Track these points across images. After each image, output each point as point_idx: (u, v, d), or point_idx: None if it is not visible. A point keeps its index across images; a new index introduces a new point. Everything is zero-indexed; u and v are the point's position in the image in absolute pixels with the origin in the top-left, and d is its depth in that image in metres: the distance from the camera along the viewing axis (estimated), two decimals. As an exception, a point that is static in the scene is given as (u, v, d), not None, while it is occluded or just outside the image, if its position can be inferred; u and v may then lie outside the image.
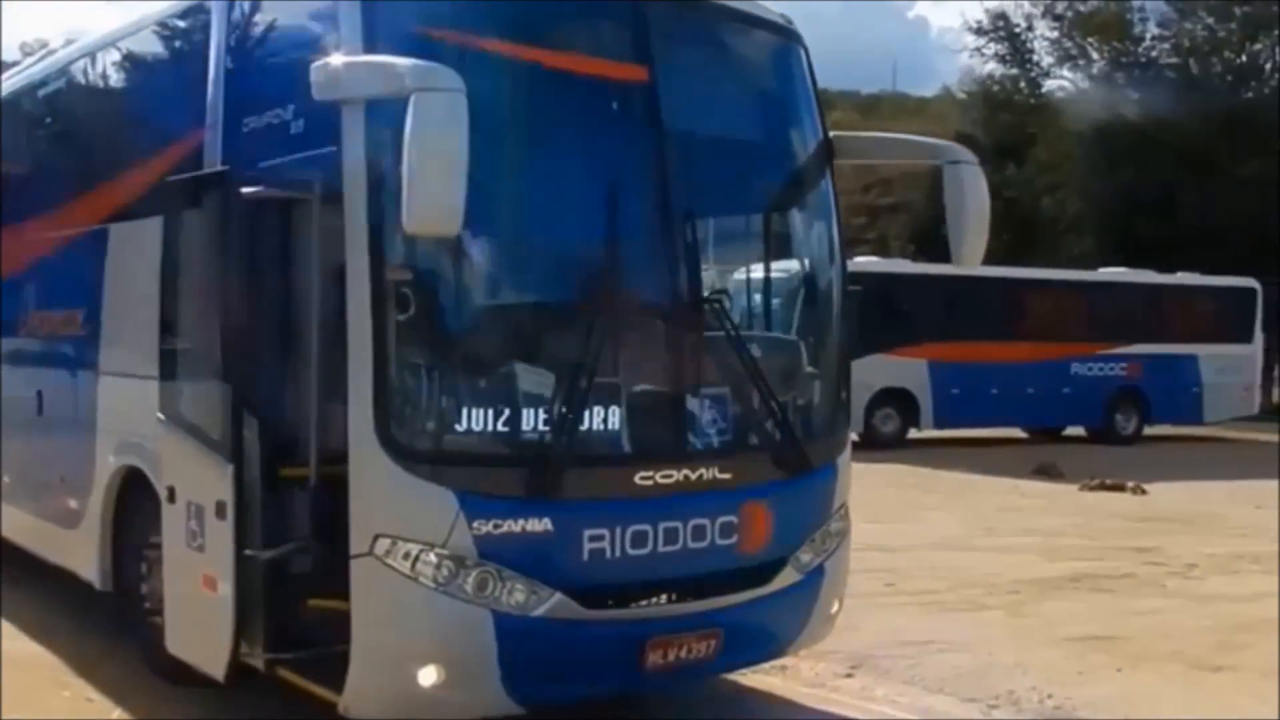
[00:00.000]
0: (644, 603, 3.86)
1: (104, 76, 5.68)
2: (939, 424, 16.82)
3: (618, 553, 3.77)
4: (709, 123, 4.24)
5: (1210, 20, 27.53)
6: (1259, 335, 19.36)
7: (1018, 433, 18.14)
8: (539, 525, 3.65)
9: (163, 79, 5.09)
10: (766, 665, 4.75)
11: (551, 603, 3.69)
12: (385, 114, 3.53)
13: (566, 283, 3.99)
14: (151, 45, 5.20)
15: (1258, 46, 27.69)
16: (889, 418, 16.30)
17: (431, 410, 3.70)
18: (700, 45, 4.27)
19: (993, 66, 29.88)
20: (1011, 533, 9.46)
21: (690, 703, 4.65)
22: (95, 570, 5.16)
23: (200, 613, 4.18)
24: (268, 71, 4.23)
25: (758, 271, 4.52)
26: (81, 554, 5.27)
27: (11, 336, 6.19)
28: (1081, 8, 28.43)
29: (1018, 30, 29.20)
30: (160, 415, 4.38)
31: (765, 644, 4.32)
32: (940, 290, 16.22)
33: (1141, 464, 14.11)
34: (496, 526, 3.60)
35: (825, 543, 4.36)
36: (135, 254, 4.78)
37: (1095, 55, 28.90)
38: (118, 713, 4.53)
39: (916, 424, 16.73)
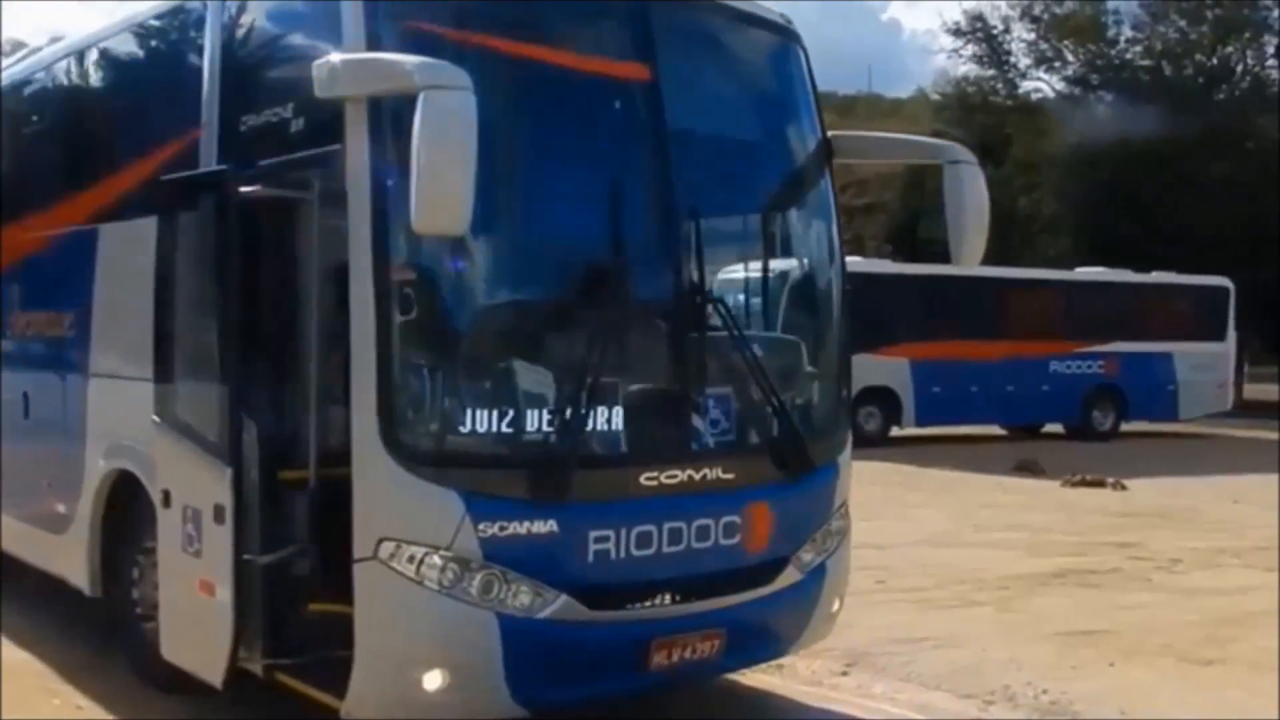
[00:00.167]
0: (648, 603, 3.84)
1: (94, 75, 5.59)
2: (921, 422, 16.98)
3: (623, 554, 3.75)
4: (712, 122, 4.25)
5: (1182, 24, 27.90)
6: (1232, 333, 19.66)
7: (997, 430, 18.33)
8: (545, 527, 3.63)
9: (156, 77, 5.01)
10: (764, 664, 4.75)
11: (557, 605, 3.67)
12: (389, 112, 3.52)
13: (569, 282, 3.96)
14: (144, 43, 5.13)
15: (1229, 50, 28.10)
16: (872, 416, 16.39)
17: (435, 412, 3.67)
18: (702, 44, 4.26)
19: (970, 68, 30.14)
20: (997, 529, 9.54)
21: (690, 703, 4.65)
22: (84, 575, 5.08)
23: (197, 618, 4.12)
24: (265, 70, 4.19)
25: (760, 271, 4.52)
26: (70, 559, 5.19)
27: None
28: (1058, 10, 28.70)
29: (995, 32, 29.45)
30: (155, 418, 4.32)
31: (768, 643, 4.33)
32: (921, 290, 16.38)
33: (1119, 460, 14.29)
34: (502, 528, 3.58)
35: (826, 542, 4.36)
36: (128, 254, 4.71)
37: (1070, 58, 29.20)
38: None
39: (899, 422, 16.86)
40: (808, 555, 4.28)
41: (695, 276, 3.94)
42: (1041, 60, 29.56)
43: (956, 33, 29.72)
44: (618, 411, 3.82)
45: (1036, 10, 28.95)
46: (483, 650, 3.59)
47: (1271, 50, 28.17)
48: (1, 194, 5.99)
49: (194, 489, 4.10)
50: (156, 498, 4.35)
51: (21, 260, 5.87)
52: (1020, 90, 30.00)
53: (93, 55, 5.53)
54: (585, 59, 4.01)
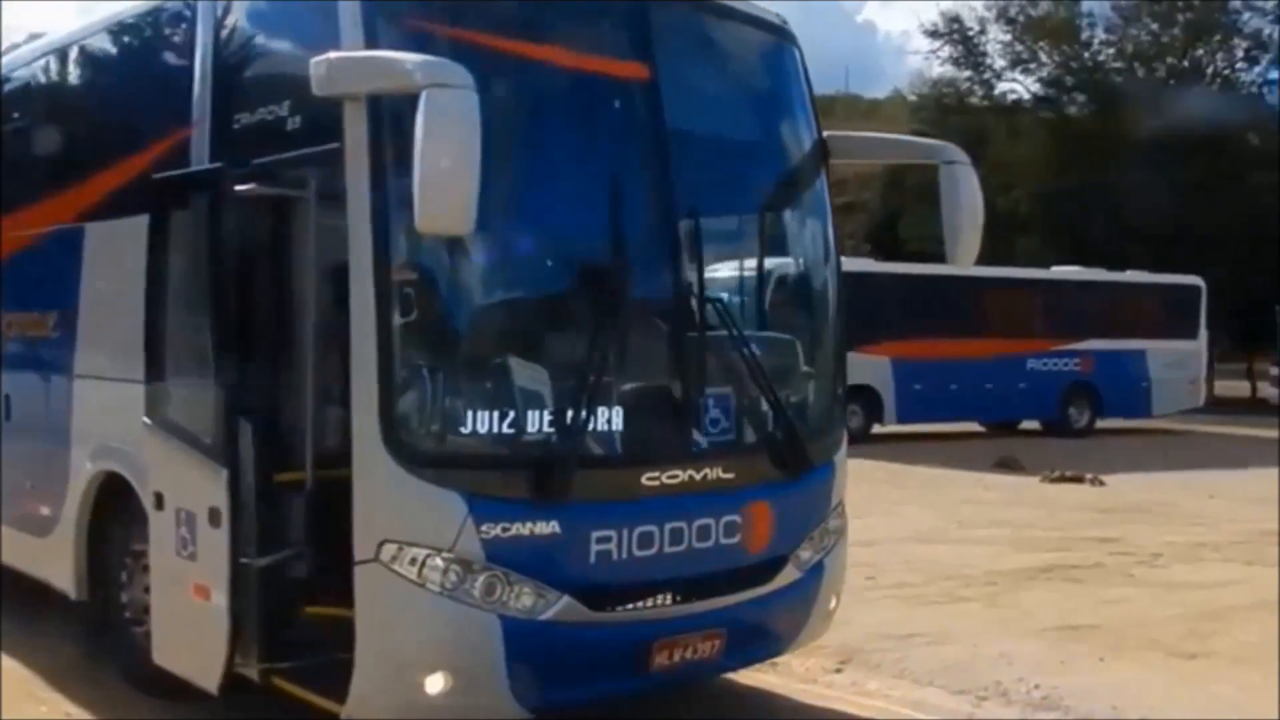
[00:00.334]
0: (650, 604, 3.84)
1: (84, 71, 5.50)
2: (902, 419, 17.10)
3: (624, 554, 3.74)
4: (710, 121, 4.25)
5: (1154, 26, 28.25)
6: (1204, 331, 19.95)
7: (975, 426, 18.49)
8: (547, 528, 3.61)
9: (147, 74, 4.93)
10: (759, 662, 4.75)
11: (559, 606, 3.65)
12: (388, 110, 3.48)
13: (570, 282, 3.96)
14: (136, 39, 5.05)
15: (1199, 52, 28.48)
16: (854, 413, 16.41)
17: (437, 413, 3.63)
18: (700, 44, 4.26)
19: (946, 69, 30.33)
20: (980, 525, 9.62)
21: (687, 703, 4.64)
22: (70, 579, 5.00)
23: (191, 623, 4.07)
24: (258, 67, 4.14)
25: (757, 270, 4.52)
26: (55, 563, 5.10)
27: None
28: (1033, 12, 28.94)
29: (971, 34, 29.66)
30: (146, 420, 4.26)
31: (767, 642, 4.33)
32: (901, 289, 16.49)
33: (1096, 456, 14.45)
34: (505, 530, 3.56)
35: (824, 540, 4.38)
36: (117, 253, 4.63)
37: (1045, 59, 29.46)
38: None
39: (880, 419, 16.96)
40: (806, 553, 4.29)
41: (695, 276, 3.94)
42: (1017, 62, 29.84)
43: (933, 34, 29.95)
44: (619, 411, 3.80)
45: (1012, 12, 29.21)
46: (485, 653, 3.57)
47: (1241, 53, 28.63)
48: None
49: (188, 491, 4.04)
50: (148, 500, 4.28)
51: (6, 259, 5.76)
52: (996, 91, 30.26)
53: (84, 50, 5.42)
54: (583, 59, 3.99)
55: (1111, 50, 29.06)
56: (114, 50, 5.21)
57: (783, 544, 4.17)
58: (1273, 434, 18.16)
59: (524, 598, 3.61)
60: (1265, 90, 28.83)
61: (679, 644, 3.90)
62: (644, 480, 3.79)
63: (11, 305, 5.72)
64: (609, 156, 4.03)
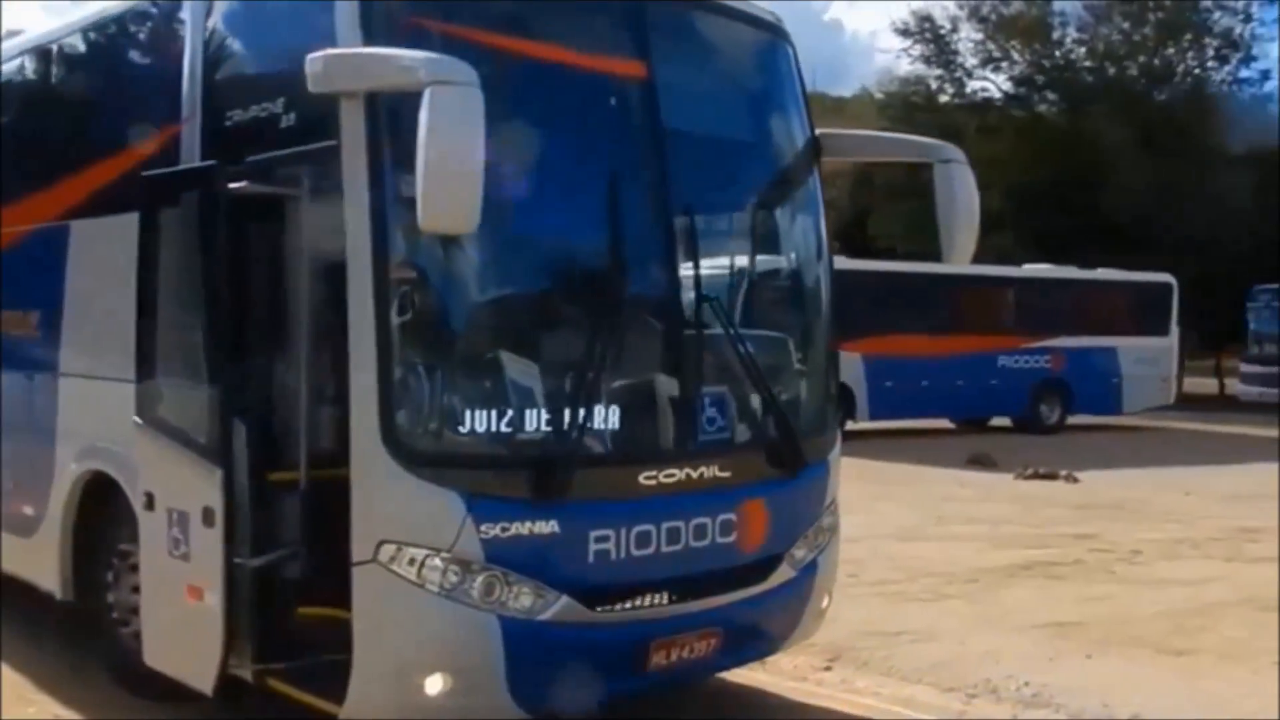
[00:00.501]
0: (647, 604, 3.84)
1: (71, 67, 5.39)
2: (874, 416, 17.18)
3: (623, 553, 3.74)
4: (705, 119, 4.24)
5: (1125, 25, 28.57)
6: (1175, 328, 20.21)
7: (946, 423, 18.65)
8: (546, 527, 3.61)
9: (138, 71, 4.86)
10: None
11: (558, 606, 3.65)
12: (385, 108, 3.46)
13: (569, 281, 3.94)
14: (127, 34, 4.97)
15: (1170, 51, 28.84)
16: (828, 411, 16.57)
17: (435, 412, 3.61)
18: (695, 42, 4.25)
19: (916, 67, 30.50)
20: (958, 522, 9.70)
21: (680, 702, 4.64)
22: (55, 579, 4.93)
23: (184, 624, 4.03)
24: (251, 64, 4.09)
25: (751, 268, 4.52)
26: (40, 562, 5.03)
27: None
28: (1005, 10, 29.18)
29: (943, 32, 29.86)
30: (137, 419, 4.20)
31: (761, 641, 4.35)
32: (873, 286, 16.54)
33: (1068, 453, 14.62)
34: (504, 529, 3.55)
35: (818, 538, 4.40)
36: (105, 251, 4.57)
37: (1017, 58, 29.72)
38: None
39: (853, 416, 17.04)
40: (800, 552, 4.31)
41: (692, 275, 3.94)
42: (989, 60, 30.06)
43: (904, 32, 30.10)
44: (617, 410, 3.80)
45: (984, 10, 29.43)
46: (484, 653, 3.56)
47: (1212, 52, 29.02)
48: None
49: (180, 491, 3.99)
50: (138, 500, 4.22)
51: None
52: (967, 90, 30.48)
53: (73, 46, 5.31)
54: (578, 57, 3.97)
55: (1083, 49, 29.36)
56: (104, 45, 5.12)
57: (778, 543, 4.18)
58: (1243, 430, 18.52)
59: (523, 598, 3.60)
60: (1235, 89, 29.29)
61: (676, 643, 3.90)
62: (642, 479, 3.79)
63: None
64: (604, 155, 4.02)
